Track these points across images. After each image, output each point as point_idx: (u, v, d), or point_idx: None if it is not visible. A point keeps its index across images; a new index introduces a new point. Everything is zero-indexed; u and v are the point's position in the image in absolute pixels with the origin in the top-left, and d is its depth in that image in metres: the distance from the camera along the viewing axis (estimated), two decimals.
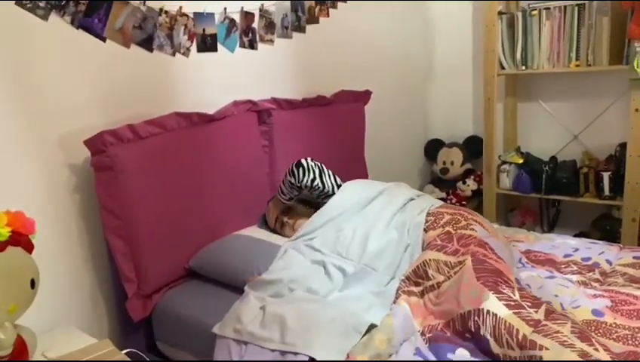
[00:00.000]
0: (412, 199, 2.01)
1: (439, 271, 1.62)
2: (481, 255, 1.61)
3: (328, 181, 2.03)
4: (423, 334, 1.48)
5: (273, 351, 1.47)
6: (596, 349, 1.25)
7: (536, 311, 1.39)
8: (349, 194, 2.01)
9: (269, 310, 1.58)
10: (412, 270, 1.68)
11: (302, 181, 1.99)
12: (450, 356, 1.36)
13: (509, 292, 1.45)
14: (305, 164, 2.00)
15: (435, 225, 1.84)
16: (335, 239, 1.85)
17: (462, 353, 1.37)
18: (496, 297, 1.42)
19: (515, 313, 1.37)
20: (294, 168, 2.00)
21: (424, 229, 1.84)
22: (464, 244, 1.69)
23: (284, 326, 1.50)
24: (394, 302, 1.60)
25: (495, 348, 1.34)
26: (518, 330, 1.32)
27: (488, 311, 1.39)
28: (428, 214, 1.89)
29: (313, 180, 2.00)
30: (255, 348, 1.50)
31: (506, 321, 1.35)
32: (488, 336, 1.35)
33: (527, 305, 1.41)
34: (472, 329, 1.39)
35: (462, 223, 1.81)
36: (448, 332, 1.45)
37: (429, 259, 1.67)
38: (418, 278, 1.65)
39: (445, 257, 1.65)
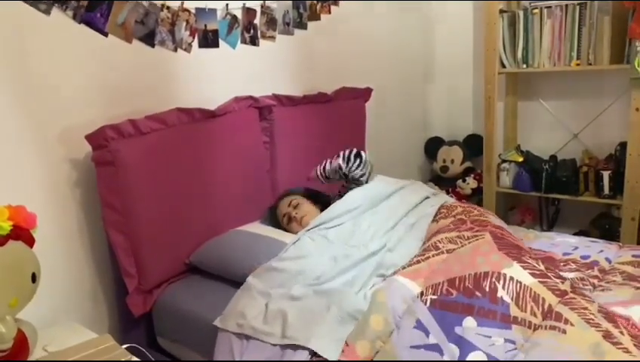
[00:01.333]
0: (427, 198, 2.04)
1: (451, 242, 1.62)
2: (499, 233, 1.61)
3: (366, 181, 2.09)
4: (423, 295, 1.43)
5: (274, 345, 1.48)
6: (621, 332, 1.22)
7: (562, 283, 1.38)
8: (369, 188, 2.05)
9: (272, 307, 1.59)
10: (422, 250, 1.67)
11: (353, 170, 2.03)
12: (457, 329, 1.32)
13: (534, 262, 1.43)
14: (364, 158, 2.03)
15: (447, 214, 1.87)
16: (351, 233, 1.86)
17: (470, 324, 1.31)
18: (521, 266, 1.39)
19: (540, 281, 1.35)
20: (353, 155, 2.02)
21: (436, 220, 1.86)
22: (479, 225, 1.70)
23: (285, 321, 1.51)
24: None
25: (514, 311, 1.31)
26: (544, 299, 1.31)
27: (512, 278, 1.36)
28: (441, 207, 1.93)
29: (362, 175, 2.04)
30: (256, 343, 1.51)
31: (531, 289, 1.33)
32: (509, 300, 1.32)
33: (553, 276, 1.40)
34: (487, 290, 1.36)
35: (474, 213, 1.84)
36: (454, 291, 1.39)
37: (442, 238, 1.66)
38: (425, 251, 1.63)
39: (459, 233, 1.65)
